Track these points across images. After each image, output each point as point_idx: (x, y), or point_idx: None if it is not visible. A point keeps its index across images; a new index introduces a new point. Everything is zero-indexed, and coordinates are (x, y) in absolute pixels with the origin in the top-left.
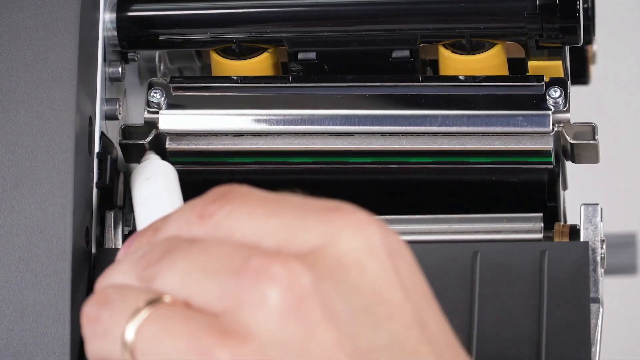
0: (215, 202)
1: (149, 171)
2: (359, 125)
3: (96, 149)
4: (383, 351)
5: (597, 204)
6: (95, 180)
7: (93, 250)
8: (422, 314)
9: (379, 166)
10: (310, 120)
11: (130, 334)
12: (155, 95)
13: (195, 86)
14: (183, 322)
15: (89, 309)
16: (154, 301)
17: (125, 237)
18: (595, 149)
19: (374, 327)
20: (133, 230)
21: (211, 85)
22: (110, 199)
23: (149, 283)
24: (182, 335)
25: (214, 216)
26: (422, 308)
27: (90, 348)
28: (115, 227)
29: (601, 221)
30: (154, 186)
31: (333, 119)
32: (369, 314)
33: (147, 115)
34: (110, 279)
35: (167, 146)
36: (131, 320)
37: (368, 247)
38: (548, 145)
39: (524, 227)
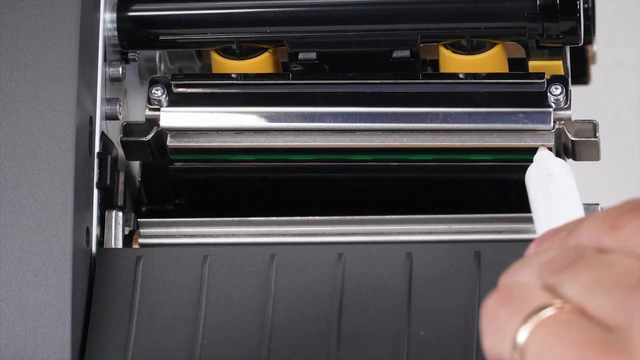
0: (628, 213)
1: (550, 168)
2: (360, 122)
3: (96, 149)
4: None
5: (597, 204)
6: (95, 180)
7: (93, 250)
8: None
9: (380, 164)
10: (312, 118)
11: (523, 335)
12: (156, 92)
13: (196, 83)
14: (576, 331)
15: (490, 304)
16: (552, 306)
17: (125, 237)
18: (596, 146)
19: None
20: (133, 230)
21: (212, 82)
22: (110, 199)
23: (552, 289)
24: (572, 344)
25: (625, 228)
26: None
27: (486, 343)
28: (116, 227)
29: None
30: (558, 184)
31: (334, 117)
32: None
33: (148, 112)
34: (516, 275)
35: (168, 143)
36: (526, 322)
37: None
38: (549, 142)
39: (525, 227)
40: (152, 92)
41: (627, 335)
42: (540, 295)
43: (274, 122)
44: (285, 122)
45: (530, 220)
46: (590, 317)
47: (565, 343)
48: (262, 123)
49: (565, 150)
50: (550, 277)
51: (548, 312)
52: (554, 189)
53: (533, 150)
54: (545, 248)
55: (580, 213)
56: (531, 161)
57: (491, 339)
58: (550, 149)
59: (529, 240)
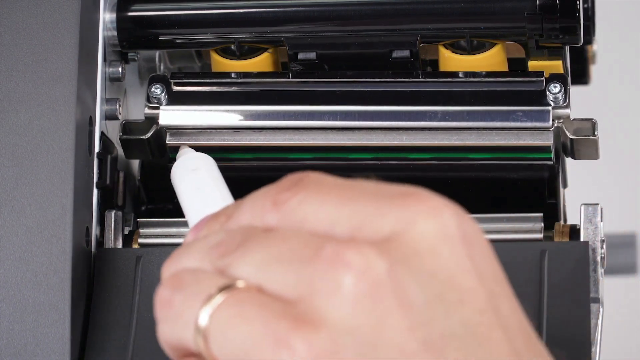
0: (288, 189)
1: (194, 164)
2: (359, 120)
3: (96, 149)
4: (455, 338)
5: (597, 204)
6: (95, 180)
7: (93, 250)
8: (495, 300)
9: (379, 162)
10: (311, 116)
11: (204, 318)
12: (155, 90)
13: (195, 82)
14: (258, 308)
15: (162, 292)
16: (229, 287)
17: (125, 237)
18: (595, 144)
19: (446, 314)
20: (133, 230)
21: (211, 80)
22: (110, 199)
23: (224, 271)
24: (257, 321)
25: (287, 203)
26: (496, 294)
27: (162, 332)
28: (116, 227)
29: (601, 221)
30: (203, 177)
31: (333, 115)
32: (442, 300)
33: (147, 110)
34: (180, 263)
35: (167, 142)
36: (205, 305)
37: (442, 233)
38: (548, 140)
39: (524, 227)
40: (152, 90)
41: (312, 305)
42: (214, 278)
43: (273, 120)
44: (284, 120)
45: (530, 220)
46: (268, 294)
47: (250, 321)
48: (261, 121)
49: (564, 149)
50: (220, 260)
51: (226, 293)
52: (202, 182)
53: (532, 149)
54: (205, 233)
55: (231, 201)
56: (530, 159)
57: (169, 327)
58: (549, 146)
59: (528, 240)
